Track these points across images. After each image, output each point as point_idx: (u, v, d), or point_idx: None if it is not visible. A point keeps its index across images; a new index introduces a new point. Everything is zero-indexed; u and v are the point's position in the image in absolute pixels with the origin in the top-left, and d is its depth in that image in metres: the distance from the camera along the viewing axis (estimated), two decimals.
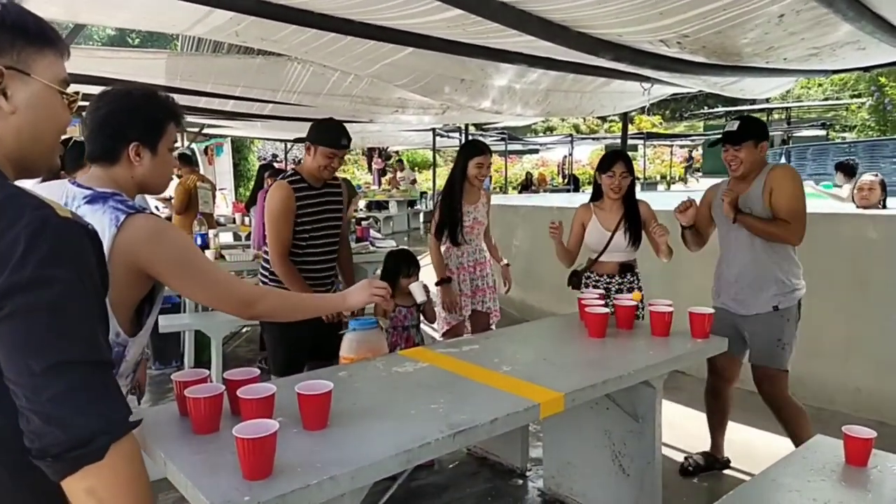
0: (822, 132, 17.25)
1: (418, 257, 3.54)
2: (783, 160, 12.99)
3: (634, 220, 3.27)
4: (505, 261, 3.91)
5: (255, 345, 5.24)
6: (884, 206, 4.82)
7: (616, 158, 3.27)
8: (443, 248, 3.65)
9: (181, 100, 4.93)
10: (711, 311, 2.68)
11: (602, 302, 2.90)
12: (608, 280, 3.30)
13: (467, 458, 3.32)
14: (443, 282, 3.57)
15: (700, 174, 26.12)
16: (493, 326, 3.74)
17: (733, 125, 2.91)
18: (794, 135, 17.14)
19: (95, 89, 1.18)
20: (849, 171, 6.29)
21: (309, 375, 2.29)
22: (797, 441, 2.76)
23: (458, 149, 3.72)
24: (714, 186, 3.19)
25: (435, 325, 3.69)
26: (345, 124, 2.97)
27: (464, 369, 2.29)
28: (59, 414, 0.82)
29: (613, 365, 2.36)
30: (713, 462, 3.20)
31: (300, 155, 12.13)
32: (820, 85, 22.89)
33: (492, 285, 3.75)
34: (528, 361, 2.46)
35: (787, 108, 22.67)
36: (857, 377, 3.73)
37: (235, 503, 1.39)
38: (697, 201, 3.10)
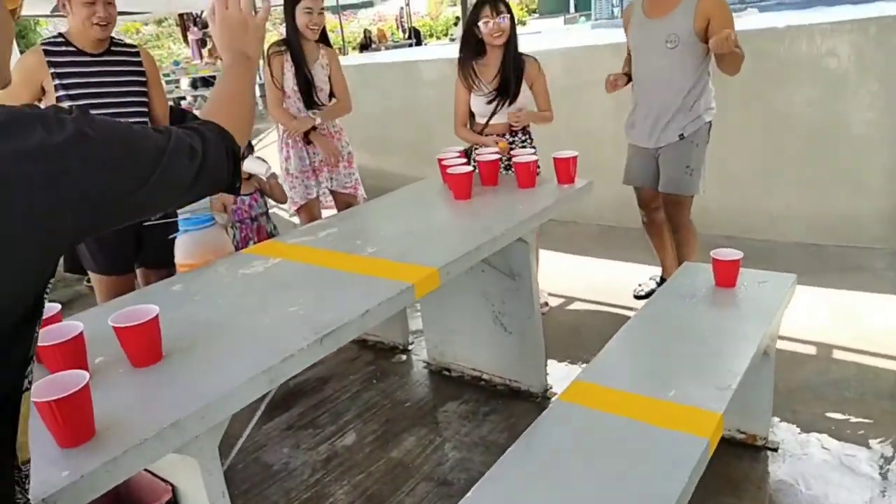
0: None
1: (257, 137, 3.08)
2: None
3: (516, 71, 2.90)
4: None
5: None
6: None
7: (483, 2, 2.83)
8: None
9: None
10: (575, 154, 2.54)
11: (464, 160, 2.67)
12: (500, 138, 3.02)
13: (346, 343, 3.13)
14: (310, 131, 3.11)
15: (536, 15, 25.92)
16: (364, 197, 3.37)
17: None
18: None
19: None
20: None
21: (137, 296, 1.91)
22: (683, 261, 2.80)
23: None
24: (629, 8, 2.97)
25: (285, 207, 3.30)
26: None
27: (323, 259, 2.00)
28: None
29: (484, 227, 2.17)
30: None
31: None
32: None
33: (347, 158, 3.30)
34: (395, 237, 2.21)
35: None
36: (704, 196, 3.90)
37: (51, 483, 1.08)
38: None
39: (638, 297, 3.25)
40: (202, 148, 0.92)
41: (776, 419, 2.22)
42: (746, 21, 4.46)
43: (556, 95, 3.04)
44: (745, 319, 1.98)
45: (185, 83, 11.85)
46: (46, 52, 2.29)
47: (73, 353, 1.37)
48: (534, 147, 3.03)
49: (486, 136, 3.01)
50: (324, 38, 3.19)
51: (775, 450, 2.10)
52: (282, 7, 3.09)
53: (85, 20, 2.28)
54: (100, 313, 1.70)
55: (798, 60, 3.60)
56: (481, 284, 2.57)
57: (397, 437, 2.36)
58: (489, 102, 2.93)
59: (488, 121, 2.98)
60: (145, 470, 1.52)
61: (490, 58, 2.93)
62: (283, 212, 3.80)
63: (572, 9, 20.97)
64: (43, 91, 2.33)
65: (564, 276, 3.63)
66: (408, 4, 16.79)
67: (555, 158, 2.55)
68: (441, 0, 25.32)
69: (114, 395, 1.32)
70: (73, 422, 1.17)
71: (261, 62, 2.33)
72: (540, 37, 8.36)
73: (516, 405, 2.49)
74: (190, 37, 14.16)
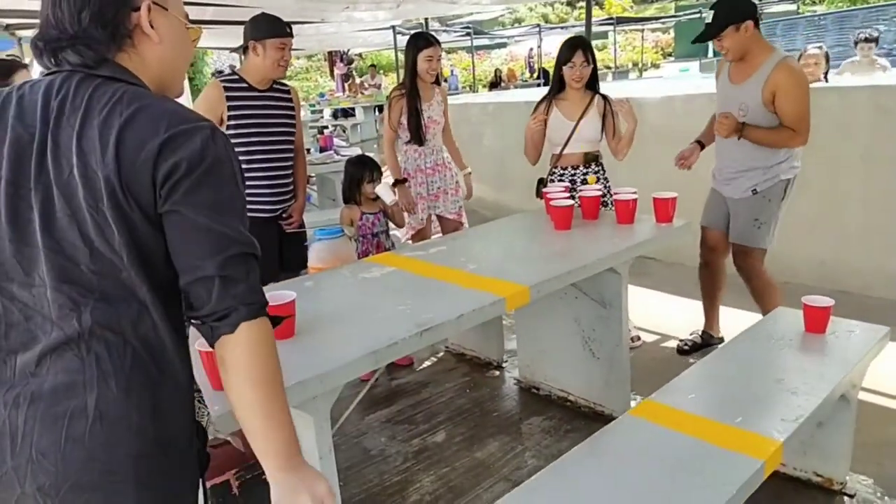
0: (793, 6, 16.81)
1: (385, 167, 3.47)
2: None
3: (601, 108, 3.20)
4: (468, 169, 3.80)
5: None
6: (825, 80, 4.71)
7: (575, 47, 3.14)
8: (402, 150, 3.58)
9: None
10: (674, 195, 2.68)
11: (567, 194, 2.89)
12: (573, 172, 3.26)
13: (445, 355, 3.41)
14: (398, 182, 3.50)
15: (671, 58, 25.51)
16: (467, 225, 3.73)
17: (710, 17, 2.83)
18: (766, 11, 16.71)
19: None
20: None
21: (274, 287, 2.28)
22: (766, 313, 2.84)
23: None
24: (721, 64, 3.13)
25: (399, 232, 3.67)
26: (295, 25, 2.83)
27: (431, 271, 2.29)
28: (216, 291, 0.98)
29: (578, 255, 2.38)
30: (709, 339, 3.28)
31: None
32: None
33: (454, 187, 3.67)
34: (495, 258, 2.47)
35: None
36: (821, 250, 3.83)
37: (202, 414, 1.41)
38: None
39: (681, 353, 3.26)
40: (249, 265, 1.03)
41: (859, 469, 2.21)
42: (876, 77, 4.36)
43: (670, 139, 3.18)
44: (825, 363, 2.04)
45: (327, 113, 12.93)
46: (225, 88, 2.78)
47: None
48: (606, 176, 3.26)
49: (561, 167, 3.27)
50: (436, 80, 3.63)
51: (852, 496, 2.10)
52: None
53: (274, 62, 2.75)
54: None
55: None
56: (573, 310, 2.75)
57: (483, 440, 2.58)
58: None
59: (562, 151, 3.24)
60: None
61: (569, 93, 3.22)
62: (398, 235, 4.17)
63: (710, 53, 20.47)
64: (221, 121, 2.82)
65: (663, 315, 3.70)
66: (539, 46, 17.25)
67: (655, 198, 2.70)
68: None
69: None
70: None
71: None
72: (660, 81, 8.35)
73: (597, 427, 2.59)
74: (336, 71, 15.44)
